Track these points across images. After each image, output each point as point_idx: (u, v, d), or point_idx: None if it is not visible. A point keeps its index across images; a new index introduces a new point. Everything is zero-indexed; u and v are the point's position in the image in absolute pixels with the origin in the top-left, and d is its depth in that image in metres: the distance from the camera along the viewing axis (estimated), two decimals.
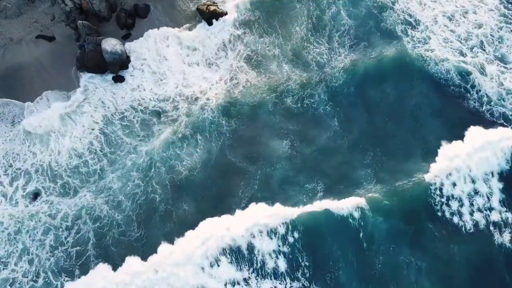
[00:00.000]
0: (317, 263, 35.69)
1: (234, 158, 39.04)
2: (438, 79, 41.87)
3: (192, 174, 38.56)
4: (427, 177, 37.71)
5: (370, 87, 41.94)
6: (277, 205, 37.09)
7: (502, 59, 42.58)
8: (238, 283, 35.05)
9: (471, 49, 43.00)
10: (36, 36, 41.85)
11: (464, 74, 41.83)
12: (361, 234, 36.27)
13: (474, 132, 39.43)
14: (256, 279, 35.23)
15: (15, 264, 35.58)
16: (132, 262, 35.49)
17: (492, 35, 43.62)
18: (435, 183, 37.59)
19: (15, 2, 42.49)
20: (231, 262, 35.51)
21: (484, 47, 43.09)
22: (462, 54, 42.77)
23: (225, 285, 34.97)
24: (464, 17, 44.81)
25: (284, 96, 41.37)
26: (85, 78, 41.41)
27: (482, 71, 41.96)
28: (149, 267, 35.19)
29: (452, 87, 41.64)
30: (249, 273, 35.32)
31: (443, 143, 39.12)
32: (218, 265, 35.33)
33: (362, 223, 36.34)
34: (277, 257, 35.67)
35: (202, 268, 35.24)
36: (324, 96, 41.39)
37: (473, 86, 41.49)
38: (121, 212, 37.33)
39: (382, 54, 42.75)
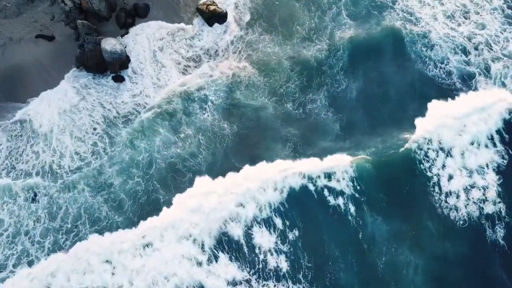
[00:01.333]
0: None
1: (237, 163, 38.90)
2: (438, 80, 42.03)
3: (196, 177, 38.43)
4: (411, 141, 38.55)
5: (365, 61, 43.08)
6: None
7: (510, 56, 42.74)
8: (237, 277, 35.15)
9: (476, 48, 43.17)
10: (36, 36, 41.65)
11: (466, 78, 42.11)
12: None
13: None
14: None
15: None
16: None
17: (497, 36, 43.70)
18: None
19: (15, 2, 42.26)
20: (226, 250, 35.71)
21: (491, 46, 43.25)
22: (465, 52, 43.03)
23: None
24: (466, 17, 44.87)
25: (285, 96, 41.72)
26: (71, 77, 41.33)
27: (487, 72, 42.08)
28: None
29: (451, 88, 41.87)
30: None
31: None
32: (217, 261, 35.28)
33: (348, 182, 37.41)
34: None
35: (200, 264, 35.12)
36: (325, 102, 41.59)
37: (476, 89, 41.68)
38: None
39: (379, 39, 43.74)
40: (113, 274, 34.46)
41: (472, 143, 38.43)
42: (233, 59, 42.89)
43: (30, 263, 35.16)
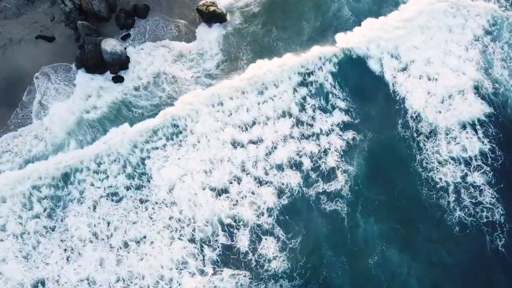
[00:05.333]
0: None
1: None
2: None
3: None
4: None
5: None
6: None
7: None
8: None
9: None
10: (36, 37, 41.87)
11: None
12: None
13: None
14: None
15: None
16: None
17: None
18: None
19: (15, 3, 42.54)
20: None
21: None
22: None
23: None
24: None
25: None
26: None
27: None
28: None
29: None
30: None
31: None
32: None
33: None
34: None
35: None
36: None
37: None
38: None
39: None
40: None
41: None
42: (234, 61, 43.22)
43: None
